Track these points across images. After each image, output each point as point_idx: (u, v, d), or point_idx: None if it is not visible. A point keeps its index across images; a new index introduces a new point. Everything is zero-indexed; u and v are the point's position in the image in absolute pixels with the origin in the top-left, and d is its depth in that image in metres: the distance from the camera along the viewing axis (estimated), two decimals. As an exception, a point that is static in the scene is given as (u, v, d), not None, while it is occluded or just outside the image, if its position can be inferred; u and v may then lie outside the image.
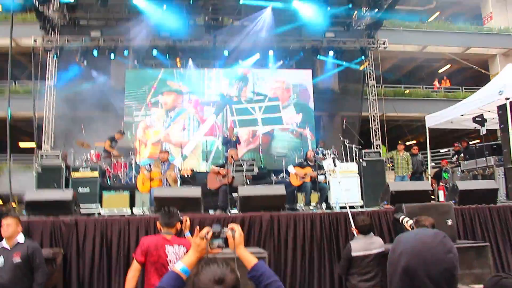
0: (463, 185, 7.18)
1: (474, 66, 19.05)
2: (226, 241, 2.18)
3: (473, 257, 5.42)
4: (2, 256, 4.74)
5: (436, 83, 23.52)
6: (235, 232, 2.19)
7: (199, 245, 2.16)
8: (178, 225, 4.20)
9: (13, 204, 11.89)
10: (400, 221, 5.05)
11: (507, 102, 8.79)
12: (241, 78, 17.02)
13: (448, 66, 25.32)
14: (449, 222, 5.63)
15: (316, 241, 6.26)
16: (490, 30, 22.70)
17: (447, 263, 1.43)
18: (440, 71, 25.95)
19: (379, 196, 7.70)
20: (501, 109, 9.13)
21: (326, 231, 6.30)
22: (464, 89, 21.85)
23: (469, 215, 6.68)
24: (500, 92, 8.82)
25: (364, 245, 5.01)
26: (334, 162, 9.89)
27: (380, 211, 6.55)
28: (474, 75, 23.38)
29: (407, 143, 19.52)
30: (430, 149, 19.57)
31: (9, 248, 4.77)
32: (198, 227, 2.43)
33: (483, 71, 20.77)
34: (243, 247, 2.18)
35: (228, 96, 16.66)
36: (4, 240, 4.84)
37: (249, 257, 2.15)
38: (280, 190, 6.86)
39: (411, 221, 4.78)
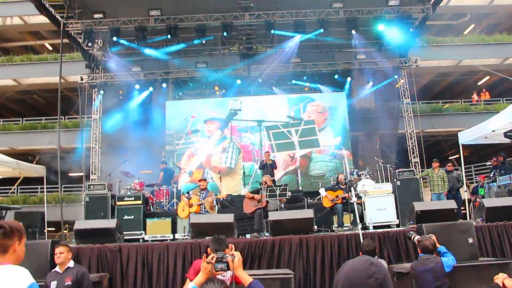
0: (489, 202, 7.25)
1: (510, 78, 18.71)
2: (228, 264, 2.61)
3: (496, 274, 5.49)
4: (55, 280, 5.35)
5: (474, 96, 23.13)
6: (234, 257, 2.62)
7: (206, 268, 2.61)
8: (227, 251, 4.65)
9: (65, 231, 12.75)
10: (412, 239, 5.28)
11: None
12: (276, 104, 17.49)
13: (487, 77, 24.87)
14: (470, 240, 5.78)
15: (344, 261, 6.51)
16: (528, 38, 22.28)
17: (368, 287, 1.77)
18: (479, 83, 25.51)
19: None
20: (533, 123, 9.11)
21: (352, 251, 6.57)
22: (505, 100, 21.39)
23: (497, 232, 6.75)
24: (530, 107, 8.82)
25: None
26: (355, 185, 10.07)
27: (405, 230, 6.75)
28: (516, 85, 22.90)
29: (450, 158, 19.31)
30: (472, 164, 19.53)
31: (61, 272, 5.39)
32: (205, 254, 2.87)
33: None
34: (241, 269, 2.63)
35: (264, 121, 17.11)
36: (57, 266, 5.46)
37: (246, 277, 2.59)
38: (309, 213, 7.21)
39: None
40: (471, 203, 12.18)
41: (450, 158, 20.06)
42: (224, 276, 4.40)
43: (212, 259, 2.63)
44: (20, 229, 2.47)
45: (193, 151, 16.85)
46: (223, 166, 16.42)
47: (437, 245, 5.07)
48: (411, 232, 5.61)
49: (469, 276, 5.41)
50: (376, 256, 5.42)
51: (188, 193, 10.06)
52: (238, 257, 2.66)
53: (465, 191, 11.88)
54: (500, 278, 2.47)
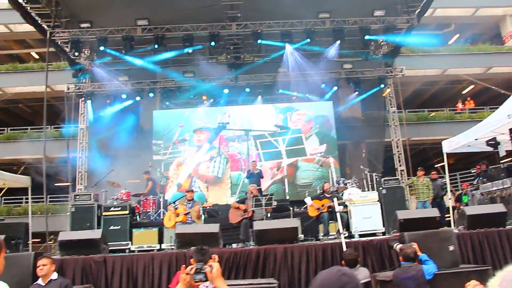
0: (470, 210, 7.37)
1: (493, 87, 19.04)
2: (206, 275, 2.65)
3: (476, 281, 5.58)
4: (37, 293, 5.30)
5: (459, 105, 23.46)
6: (212, 268, 2.66)
7: (185, 279, 2.65)
8: (210, 262, 4.66)
9: (50, 242, 12.63)
10: (393, 248, 5.36)
11: (516, 126, 8.92)
12: (263, 113, 17.55)
13: (472, 86, 25.23)
14: (451, 248, 5.87)
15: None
16: (511, 49, 22.70)
17: None
18: (463, 92, 25.88)
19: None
20: (512, 132, 9.26)
21: (337, 260, 6.61)
22: (490, 108, 21.69)
23: (478, 239, 6.87)
24: (509, 115, 8.96)
25: None
26: (341, 194, 10.14)
27: (389, 239, 6.83)
28: (499, 94, 23.24)
29: (435, 166, 19.46)
30: (458, 171, 19.73)
31: (43, 285, 5.33)
32: (184, 266, 2.90)
33: (502, 92, 20.68)
34: (220, 280, 2.66)
35: (251, 131, 17.13)
36: (39, 278, 5.40)
37: (224, 287, 2.61)
38: (294, 223, 7.26)
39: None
40: (456, 211, 12.32)
41: (435, 166, 20.25)
42: (207, 287, 4.43)
43: (191, 270, 2.67)
44: (-1, 242, 2.46)
45: (182, 160, 16.83)
46: (210, 175, 16.41)
47: (419, 253, 5.17)
48: (392, 241, 5.70)
49: (450, 283, 5.47)
50: (358, 265, 5.48)
51: (174, 203, 10.06)
52: (216, 267, 2.70)
53: (449, 198, 12.02)
54: (471, 285, 2.51)
